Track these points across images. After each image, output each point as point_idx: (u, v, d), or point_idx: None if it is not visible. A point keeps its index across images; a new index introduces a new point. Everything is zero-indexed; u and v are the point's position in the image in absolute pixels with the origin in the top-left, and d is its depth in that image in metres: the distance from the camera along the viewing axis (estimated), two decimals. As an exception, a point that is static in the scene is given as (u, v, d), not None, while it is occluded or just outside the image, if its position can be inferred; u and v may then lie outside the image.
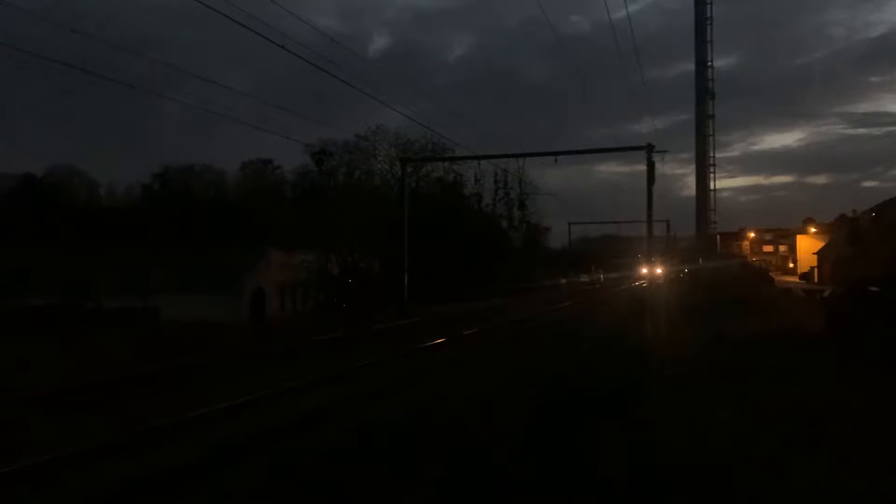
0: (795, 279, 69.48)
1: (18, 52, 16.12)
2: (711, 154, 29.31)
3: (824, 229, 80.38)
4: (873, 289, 15.14)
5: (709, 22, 28.78)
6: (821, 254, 67.73)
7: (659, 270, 52.79)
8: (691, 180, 30.94)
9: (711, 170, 29.41)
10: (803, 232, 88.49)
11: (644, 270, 69.58)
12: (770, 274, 62.35)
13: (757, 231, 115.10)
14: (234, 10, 15.53)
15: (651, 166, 34.51)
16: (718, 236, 35.87)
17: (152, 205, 61.30)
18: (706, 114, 28.98)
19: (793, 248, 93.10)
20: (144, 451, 8.62)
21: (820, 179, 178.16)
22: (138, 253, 40.39)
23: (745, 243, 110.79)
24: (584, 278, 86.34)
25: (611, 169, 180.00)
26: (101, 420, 10.36)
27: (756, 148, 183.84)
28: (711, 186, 29.43)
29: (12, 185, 63.49)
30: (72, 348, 18.77)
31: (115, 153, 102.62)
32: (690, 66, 29.77)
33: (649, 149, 34.60)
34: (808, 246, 78.86)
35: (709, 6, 28.75)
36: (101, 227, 50.36)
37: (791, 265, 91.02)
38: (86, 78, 16.98)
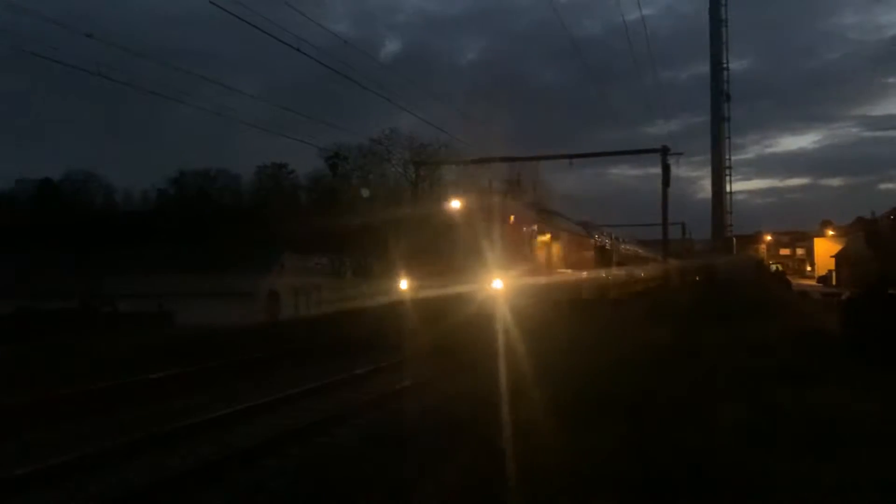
0: (813, 282, 68.78)
1: (36, 57, 16.27)
2: (727, 157, 29.22)
3: (842, 232, 79.45)
4: (892, 292, 14.97)
5: (723, 24, 28.70)
6: (839, 256, 67.00)
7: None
8: (706, 183, 30.96)
9: (727, 172, 29.31)
10: (820, 235, 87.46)
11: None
12: (787, 277, 61.81)
13: (773, 234, 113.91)
14: (250, 15, 15.61)
15: (666, 169, 34.28)
16: (735, 239, 35.57)
17: (168, 209, 61.83)
18: (721, 116, 28.86)
19: (810, 251, 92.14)
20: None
21: (836, 182, 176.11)
22: (153, 256, 40.69)
23: (762, 246, 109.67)
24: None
25: (624, 172, 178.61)
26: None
27: (771, 150, 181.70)
28: (727, 189, 29.33)
29: (31, 189, 64.41)
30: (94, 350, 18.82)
31: (132, 158, 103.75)
32: (703, 69, 29.81)
33: (664, 151, 34.39)
34: (825, 249, 78.00)
35: (723, 8, 28.67)
36: (117, 232, 50.88)
37: (808, 268, 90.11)
38: (103, 83, 17.17)
